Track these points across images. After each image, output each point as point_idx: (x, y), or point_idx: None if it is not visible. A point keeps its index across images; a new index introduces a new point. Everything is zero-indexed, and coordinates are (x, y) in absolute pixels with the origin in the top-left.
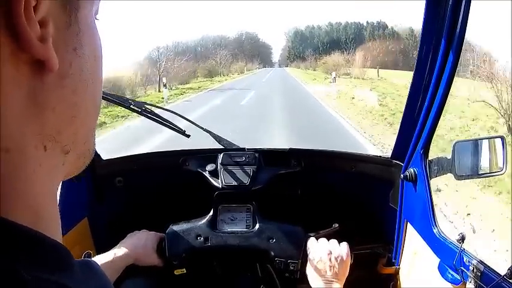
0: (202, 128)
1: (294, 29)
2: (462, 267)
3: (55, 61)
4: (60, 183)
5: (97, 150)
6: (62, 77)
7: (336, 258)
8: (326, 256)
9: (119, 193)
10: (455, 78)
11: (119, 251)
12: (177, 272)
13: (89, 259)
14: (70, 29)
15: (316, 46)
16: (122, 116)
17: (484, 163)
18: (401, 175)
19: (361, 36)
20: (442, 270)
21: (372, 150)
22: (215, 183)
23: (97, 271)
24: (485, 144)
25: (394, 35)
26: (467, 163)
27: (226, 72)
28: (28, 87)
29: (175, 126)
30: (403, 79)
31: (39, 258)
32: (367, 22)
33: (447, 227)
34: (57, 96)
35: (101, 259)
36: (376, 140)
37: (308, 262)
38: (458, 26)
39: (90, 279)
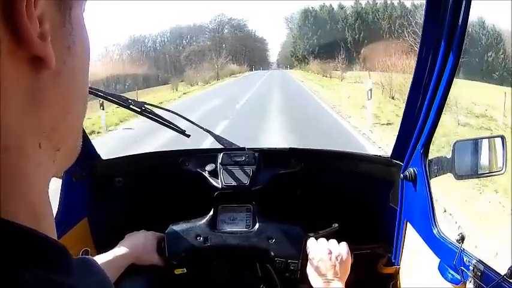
0: (202, 128)
1: (301, 10)
2: (462, 267)
3: (53, 59)
4: (61, 183)
5: (97, 151)
6: (56, 75)
7: (336, 258)
8: (326, 255)
9: (119, 193)
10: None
11: (118, 251)
12: (177, 271)
13: (86, 256)
14: (64, 28)
15: (342, 36)
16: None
17: (484, 163)
18: (401, 175)
19: (409, 22)
20: (442, 270)
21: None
22: (215, 184)
23: (95, 267)
24: (485, 143)
25: None
26: (467, 163)
27: None
28: (26, 84)
29: (175, 126)
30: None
31: (39, 258)
32: (413, 5)
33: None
34: (53, 94)
35: (100, 259)
36: None
37: (308, 262)
38: (459, 26)
39: (89, 276)
